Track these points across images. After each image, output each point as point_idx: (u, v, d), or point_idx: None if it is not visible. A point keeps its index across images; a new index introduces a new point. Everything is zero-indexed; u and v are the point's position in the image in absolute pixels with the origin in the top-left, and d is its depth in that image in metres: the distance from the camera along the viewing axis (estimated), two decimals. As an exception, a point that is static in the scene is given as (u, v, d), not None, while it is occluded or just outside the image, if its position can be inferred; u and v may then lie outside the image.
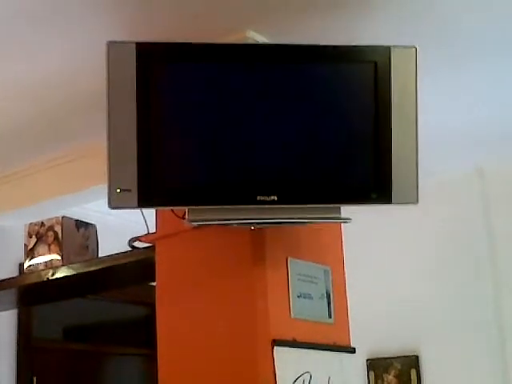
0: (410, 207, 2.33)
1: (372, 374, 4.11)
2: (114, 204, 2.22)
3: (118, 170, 2.21)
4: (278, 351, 2.42)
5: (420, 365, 4.01)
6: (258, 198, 2.24)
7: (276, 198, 2.25)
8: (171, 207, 2.50)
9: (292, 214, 2.31)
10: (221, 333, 2.52)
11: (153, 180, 2.22)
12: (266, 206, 2.26)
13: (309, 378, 2.50)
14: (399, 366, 4.05)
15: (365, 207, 2.38)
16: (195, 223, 2.32)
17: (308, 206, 2.31)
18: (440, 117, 3.29)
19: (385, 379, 4.08)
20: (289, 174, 2.29)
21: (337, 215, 2.35)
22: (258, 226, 2.44)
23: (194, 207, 2.29)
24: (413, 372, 4.02)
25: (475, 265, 3.90)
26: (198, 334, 2.58)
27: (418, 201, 2.31)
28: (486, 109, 3.35)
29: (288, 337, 2.48)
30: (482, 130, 3.54)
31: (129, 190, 2.20)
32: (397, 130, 2.28)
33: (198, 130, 2.26)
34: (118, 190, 2.20)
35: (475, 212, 3.94)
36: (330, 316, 2.67)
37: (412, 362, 4.02)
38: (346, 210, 2.36)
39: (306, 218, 2.33)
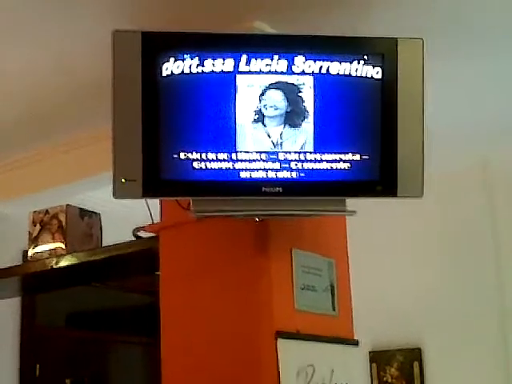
0: (415, 200, 2.32)
1: (374, 366, 4.11)
2: (118, 194, 2.21)
3: (123, 159, 2.20)
4: (282, 343, 2.41)
5: (422, 357, 4.01)
6: (263, 189, 2.24)
7: (281, 190, 2.24)
8: (176, 198, 2.49)
9: (297, 206, 2.30)
10: (224, 324, 2.52)
11: (158, 170, 2.21)
12: (271, 198, 2.25)
13: (312, 370, 2.50)
14: (402, 359, 4.05)
15: (369, 200, 2.37)
16: (199, 214, 2.31)
17: (313, 198, 2.30)
18: (445, 109, 3.27)
19: (387, 371, 4.08)
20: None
21: (342, 208, 2.34)
22: (263, 218, 2.43)
23: (198, 198, 2.28)
24: (415, 365, 4.02)
25: (479, 258, 3.89)
26: (202, 324, 2.57)
27: (422, 194, 2.30)
28: (491, 101, 3.33)
29: (291, 329, 2.47)
30: (487, 122, 3.52)
31: (134, 180, 2.19)
32: (403, 123, 2.27)
33: (205, 120, 2.24)
34: (123, 180, 2.19)
35: (479, 205, 3.93)
36: (333, 308, 2.67)
37: (414, 355, 4.02)
38: (351, 202, 2.35)
39: (311, 210, 2.32)
